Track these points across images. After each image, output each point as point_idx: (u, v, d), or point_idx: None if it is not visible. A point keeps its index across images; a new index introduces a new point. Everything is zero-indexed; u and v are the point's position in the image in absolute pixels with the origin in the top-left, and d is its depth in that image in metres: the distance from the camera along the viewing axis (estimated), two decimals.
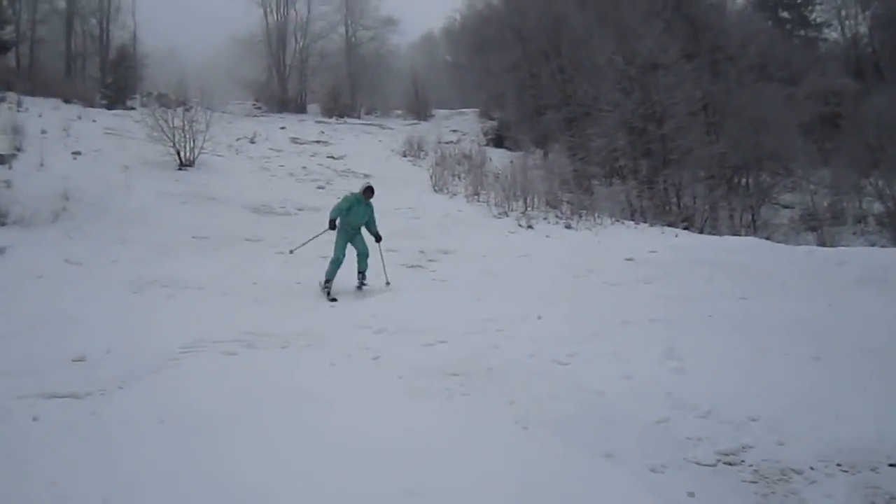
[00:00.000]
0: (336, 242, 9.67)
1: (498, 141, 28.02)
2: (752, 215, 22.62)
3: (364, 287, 9.82)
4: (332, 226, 9.77)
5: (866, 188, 23.65)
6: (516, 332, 7.11)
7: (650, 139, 23.00)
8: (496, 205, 17.58)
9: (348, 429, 4.38)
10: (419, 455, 3.95)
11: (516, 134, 26.65)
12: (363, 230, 10.11)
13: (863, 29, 39.54)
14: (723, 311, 7.84)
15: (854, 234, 22.19)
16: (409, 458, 3.95)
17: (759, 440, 4.40)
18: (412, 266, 11.63)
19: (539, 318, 7.60)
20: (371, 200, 10.15)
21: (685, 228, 18.43)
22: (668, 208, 21.24)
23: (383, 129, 29.73)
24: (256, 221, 14.00)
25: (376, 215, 10.32)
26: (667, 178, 21.86)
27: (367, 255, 9.91)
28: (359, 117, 33.52)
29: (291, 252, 10.45)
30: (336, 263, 9.44)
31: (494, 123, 30.05)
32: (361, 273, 9.90)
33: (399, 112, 35.97)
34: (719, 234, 18.58)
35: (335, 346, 6.64)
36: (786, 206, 24.30)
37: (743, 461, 4.18)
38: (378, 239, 10.18)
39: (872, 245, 18.85)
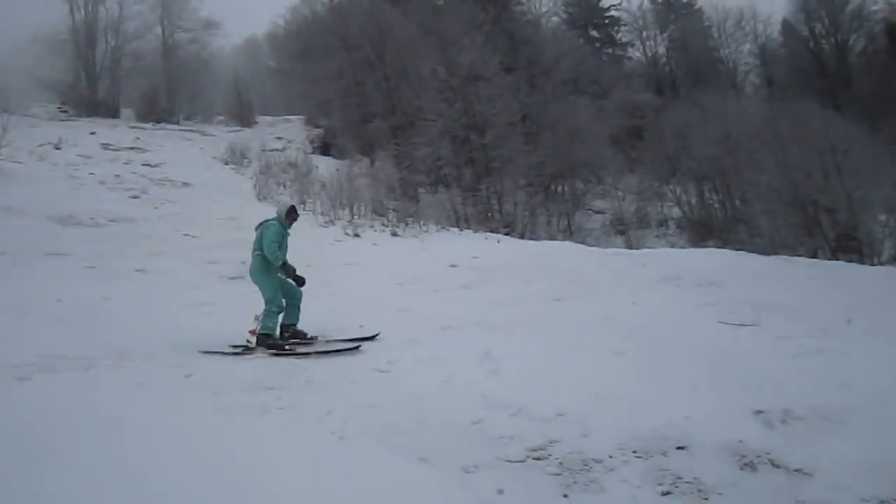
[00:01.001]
0: (270, 285, 7.55)
1: (324, 149, 27.76)
2: (568, 220, 23.98)
3: (284, 348, 7.29)
4: (288, 269, 7.66)
5: (667, 194, 25.88)
6: None
7: (473, 148, 23.74)
8: (322, 213, 17.39)
9: (155, 453, 4.10)
10: (229, 474, 3.78)
11: (342, 142, 26.54)
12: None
13: (661, 49, 43.36)
14: (538, 313, 8.23)
15: (657, 236, 24.19)
16: (220, 478, 3.77)
17: (564, 434, 4.65)
18: (234, 278, 11.18)
19: (361, 326, 7.59)
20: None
21: (507, 234, 19.13)
22: (490, 215, 21.99)
23: (204, 135, 28.47)
24: (62, 234, 12.93)
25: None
26: (489, 185, 22.65)
27: (300, 300, 7.78)
28: (177, 123, 31.81)
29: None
30: (278, 312, 7.47)
31: (320, 131, 29.72)
32: (289, 326, 7.64)
33: (221, 118, 34.63)
34: (538, 238, 19.44)
35: (145, 365, 6.24)
36: (598, 212, 26.00)
37: (550, 455, 4.39)
38: (301, 283, 7.78)
39: (672, 246, 20.60)
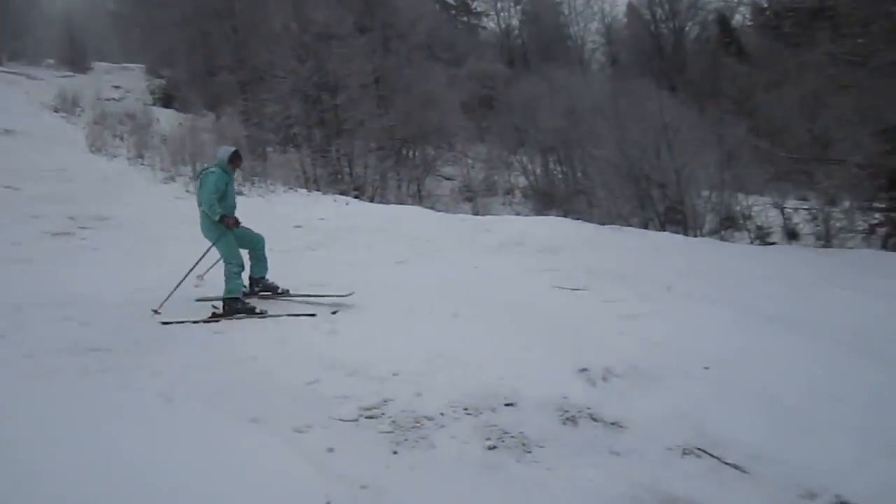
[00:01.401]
0: (226, 243, 6.91)
1: (166, 101, 26.24)
2: (418, 186, 24.20)
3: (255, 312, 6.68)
4: (228, 221, 6.86)
5: (514, 164, 26.69)
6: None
7: (324, 108, 23.26)
8: (162, 169, 16.47)
9: None
10: (39, 443, 3.52)
11: (186, 94, 25.19)
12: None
13: (515, 22, 44.42)
14: (381, 276, 8.26)
15: (503, 204, 24.94)
16: (29, 449, 3.51)
17: (398, 393, 4.71)
18: (58, 234, 10.42)
19: (197, 286, 7.30)
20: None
21: (356, 197, 18.97)
22: (340, 177, 21.75)
23: (31, 79, 26.09)
24: None
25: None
26: (339, 147, 22.35)
27: (263, 248, 7.35)
28: (0, 64, 29.04)
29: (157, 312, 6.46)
30: (240, 271, 6.87)
31: (163, 82, 28.08)
32: (259, 279, 7.32)
33: (51, 61, 31.89)
34: (388, 202, 19.46)
35: None
36: (447, 178, 26.43)
37: (383, 414, 4.44)
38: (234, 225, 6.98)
39: (517, 214, 21.24)
